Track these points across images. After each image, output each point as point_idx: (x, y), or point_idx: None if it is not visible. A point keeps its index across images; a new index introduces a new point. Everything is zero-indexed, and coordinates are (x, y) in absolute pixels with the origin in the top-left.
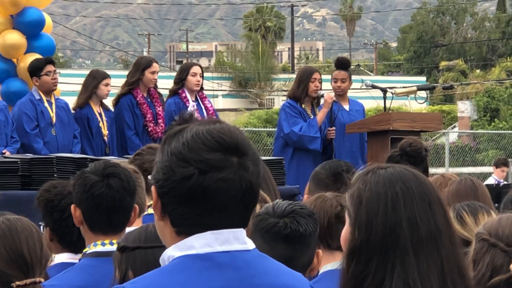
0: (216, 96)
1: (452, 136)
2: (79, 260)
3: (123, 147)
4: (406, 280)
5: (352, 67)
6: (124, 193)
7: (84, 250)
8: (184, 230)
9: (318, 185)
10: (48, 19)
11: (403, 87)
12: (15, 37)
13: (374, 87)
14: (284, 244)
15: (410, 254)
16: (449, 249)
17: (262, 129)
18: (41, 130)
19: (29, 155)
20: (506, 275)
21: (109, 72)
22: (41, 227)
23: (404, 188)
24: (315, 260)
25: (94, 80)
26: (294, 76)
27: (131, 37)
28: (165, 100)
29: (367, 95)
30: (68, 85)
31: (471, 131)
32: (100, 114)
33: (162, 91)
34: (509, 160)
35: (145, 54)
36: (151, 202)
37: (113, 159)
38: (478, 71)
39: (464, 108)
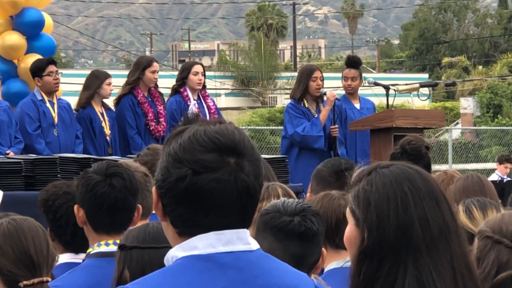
0: (219, 95)
1: (455, 132)
2: (83, 260)
3: (126, 147)
4: (420, 278)
5: None
6: (126, 192)
7: (88, 251)
8: (185, 231)
9: (320, 183)
10: (48, 19)
11: (406, 84)
12: (15, 38)
13: (376, 84)
14: (297, 242)
15: (423, 253)
16: (458, 244)
17: (265, 127)
18: (43, 130)
19: (33, 156)
20: None
21: (111, 72)
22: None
23: (412, 188)
24: (320, 259)
25: (98, 80)
26: (296, 74)
27: (134, 36)
28: (166, 99)
29: (370, 92)
30: (71, 85)
31: (474, 128)
32: (102, 114)
33: (164, 91)
34: None
35: (147, 53)
36: None
37: (119, 159)
38: (480, 67)
39: (467, 105)
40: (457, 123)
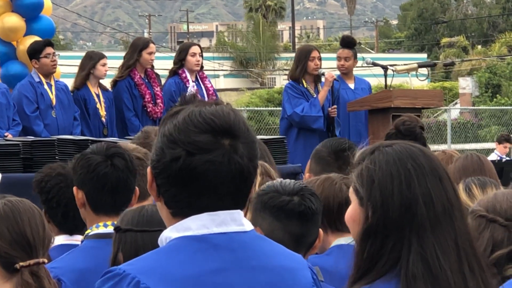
0: (218, 76)
1: (454, 112)
2: (81, 242)
3: (124, 129)
4: (424, 255)
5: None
6: (128, 173)
7: (86, 232)
8: (179, 212)
9: (319, 163)
10: (47, 1)
11: (404, 64)
12: (14, 20)
13: (375, 64)
14: (297, 221)
15: (428, 230)
16: (461, 222)
17: (264, 108)
18: (41, 112)
19: (31, 138)
20: (507, 249)
21: (110, 53)
22: None
23: (415, 165)
24: (317, 240)
25: (91, 61)
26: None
27: (132, 18)
28: (164, 80)
29: (368, 72)
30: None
31: (473, 108)
32: (98, 95)
33: (163, 72)
34: None
35: (145, 35)
36: None
37: (118, 140)
38: (479, 47)
39: (466, 85)
40: (456, 103)
